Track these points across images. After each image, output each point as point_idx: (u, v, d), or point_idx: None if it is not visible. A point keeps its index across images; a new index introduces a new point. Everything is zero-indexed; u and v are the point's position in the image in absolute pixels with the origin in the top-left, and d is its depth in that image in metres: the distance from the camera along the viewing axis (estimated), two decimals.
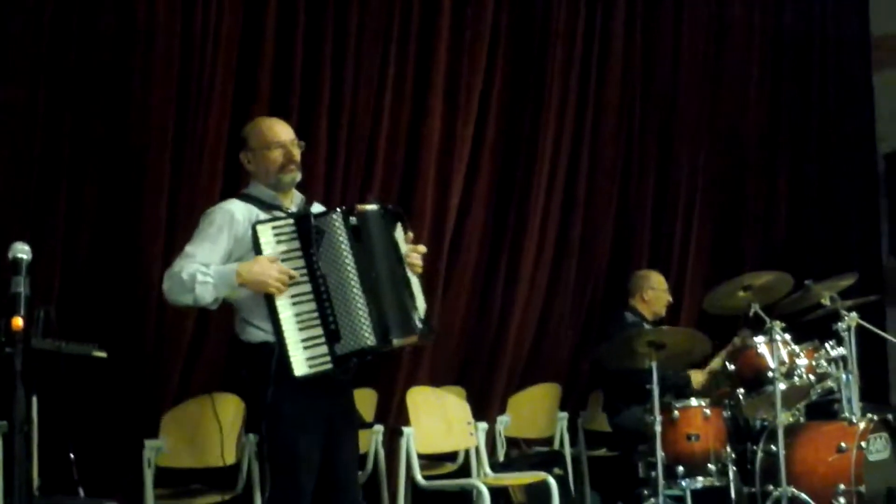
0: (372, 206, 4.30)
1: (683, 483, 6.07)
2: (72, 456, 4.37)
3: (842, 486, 5.94)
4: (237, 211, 4.27)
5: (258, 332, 4.21)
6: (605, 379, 6.90)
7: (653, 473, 5.97)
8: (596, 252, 7.60)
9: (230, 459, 5.26)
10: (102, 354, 4.54)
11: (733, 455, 6.20)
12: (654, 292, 7.02)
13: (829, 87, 9.48)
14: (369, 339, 4.14)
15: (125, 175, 5.29)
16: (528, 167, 7.13)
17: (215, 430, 5.19)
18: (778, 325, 6.18)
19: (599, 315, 7.55)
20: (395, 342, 4.24)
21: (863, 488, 5.93)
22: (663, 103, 8.15)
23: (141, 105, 5.31)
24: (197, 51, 5.47)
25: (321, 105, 5.97)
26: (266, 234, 4.17)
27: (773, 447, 6.07)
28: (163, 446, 5.10)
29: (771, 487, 6.06)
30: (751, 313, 6.37)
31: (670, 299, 7.12)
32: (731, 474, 6.14)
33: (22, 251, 3.50)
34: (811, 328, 6.83)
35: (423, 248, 4.48)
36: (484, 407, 6.69)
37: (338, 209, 4.25)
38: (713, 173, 8.46)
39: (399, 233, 4.37)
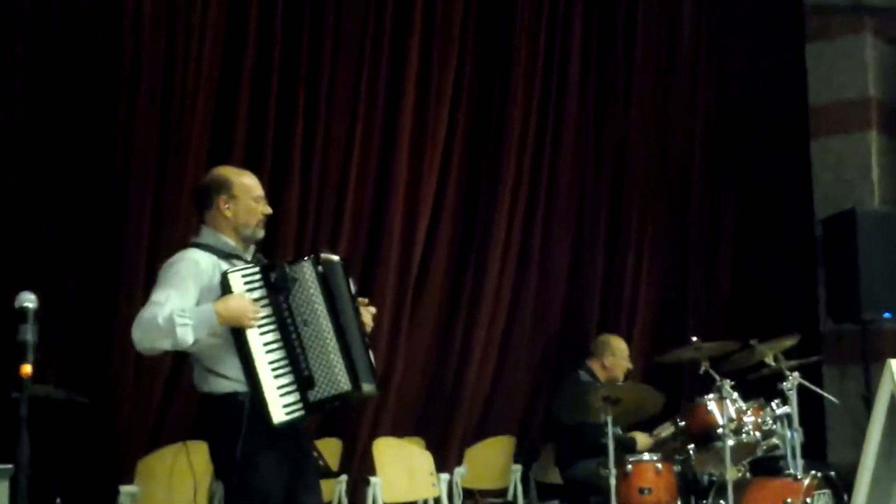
0: (334, 256, 4.37)
1: None
2: (58, 500, 4.42)
3: None
4: (201, 260, 4.24)
5: (224, 383, 4.17)
6: (559, 432, 7.07)
7: None
8: (548, 311, 7.81)
9: None
10: (84, 400, 4.64)
11: None
12: (615, 359, 7.21)
13: (769, 155, 9.82)
14: (345, 384, 4.18)
15: (106, 223, 5.43)
16: (487, 224, 7.35)
17: (188, 477, 5.24)
18: (728, 383, 6.41)
19: (551, 370, 7.73)
20: (366, 388, 4.29)
21: None
22: (613, 175, 8.42)
23: (123, 156, 5.45)
24: (176, 103, 5.64)
25: (293, 158, 6.15)
26: (237, 282, 4.16)
27: (722, 502, 6.27)
28: (137, 492, 5.18)
29: None
30: (701, 371, 6.59)
31: (630, 367, 7.29)
32: None
33: (28, 300, 3.62)
34: (748, 385, 7.05)
35: (366, 301, 4.49)
36: (442, 458, 6.83)
37: (306, 258, 4.29)
38: (659, 240, 8.74)
39: (352, 285, 4.42)
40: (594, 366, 7.20)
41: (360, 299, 4.43)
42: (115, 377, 5.36)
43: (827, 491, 6.48)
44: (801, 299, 9.55)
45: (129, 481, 5.23)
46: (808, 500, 6.21)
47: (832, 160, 9.62)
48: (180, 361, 5.48)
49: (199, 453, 5.33)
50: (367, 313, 4.45)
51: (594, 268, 8.20)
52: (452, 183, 7.16)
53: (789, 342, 6.97)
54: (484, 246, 7.33)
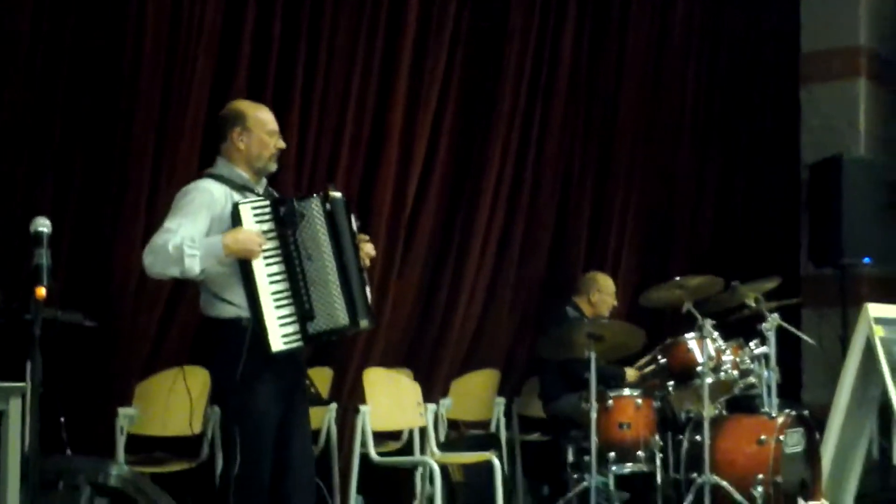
0: (339, 194, 4.54)
1: (614, 468, 6.42)
2: (62, 419, 4.57)
3: (760, 476, 6.32)
4: (214, 190, 4.41)
5: (230, 308, 4.36)
6: (543, 367, 7.27)
7: (585, 458, 6.33)
8: (536, 250, 7.96)
9: (197, 429, 5.49)
10: (93, 324, 4.79)
11: (661, 443, 6.60)
12: (601, 295, 7.42)
13: (757, 99, 9.97)
14: (343, 319, 4.40)
15: (111, 153, 5.54)
16: (480, 165, 7.48)
17: (185, 401, 5.36)
18: (709, 322, 6.59)
19: (537, 308, 7.92)
20: (363, 324, 4.51)
21: (779, 479, 6.33)
22: (604, 113, 8.54)
23: (129, 91, 5.55)
24: (182, 42, 5.72)
25: (293, 101, 6.26)
26: (247, 214, 4.33)
27: (699, 437, 6.46)
28: (135, 414, 5.35)
29: (695, 475, 6.42)
30: (684, 310, 6.76)
31: (615, 303, 7.52)
32: (657, 461, 6.52)
33: (43, 225, 3.76)
34: (728, 326, 7.23)
35: (367, 238, 4.67)
36: (429, 389, 7.02)
37: (315, 195, 4.47)
38: (647, 181, 8.89)
39: (353, 222, 4.59)
40: (581, 302, 7.40)
41: (360, 235, 4.60)
42: (116, 302, 5.50)
43: (800, 429, 6.70)
44: (783, 243, 9.74)
45: (128, 403, 5.39)
46: (782, 437, 6.42)
47: (820, 107, 9.71)
48: (179, 289, 5.64)
49: (195, 378, 5.49)
50: (367, 249, 4.63)
51: (581, 208, 8.33)
52: (446, 127, 7.25)
53: (770, 284, 7.15)
54: (475, 188, 7.45)
